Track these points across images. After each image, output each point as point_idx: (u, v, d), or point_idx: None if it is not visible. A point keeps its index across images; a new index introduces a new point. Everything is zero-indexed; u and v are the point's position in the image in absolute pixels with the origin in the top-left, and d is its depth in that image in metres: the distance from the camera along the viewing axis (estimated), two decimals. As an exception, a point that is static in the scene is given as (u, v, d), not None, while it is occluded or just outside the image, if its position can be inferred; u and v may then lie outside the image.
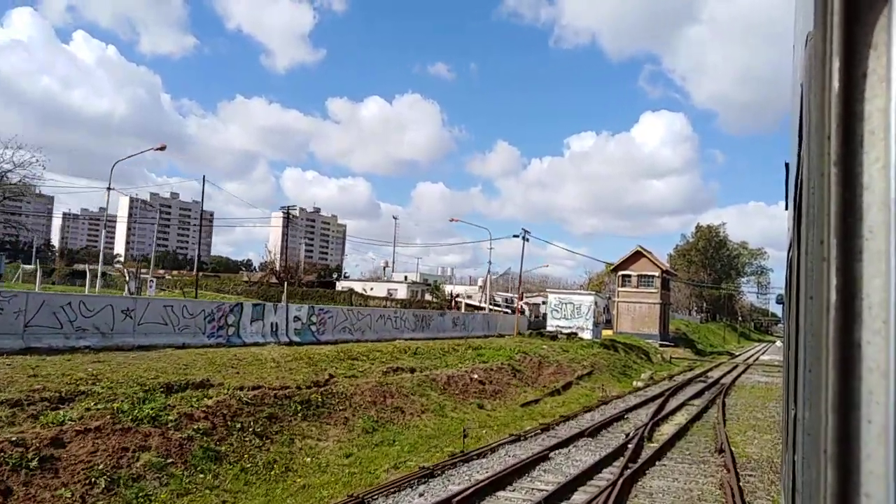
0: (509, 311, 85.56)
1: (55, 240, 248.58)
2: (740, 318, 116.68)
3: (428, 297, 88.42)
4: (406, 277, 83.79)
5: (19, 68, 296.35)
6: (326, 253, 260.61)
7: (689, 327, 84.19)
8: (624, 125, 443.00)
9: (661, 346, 58.58)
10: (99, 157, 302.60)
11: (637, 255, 61.22)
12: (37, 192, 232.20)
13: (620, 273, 61.96)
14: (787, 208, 3.07)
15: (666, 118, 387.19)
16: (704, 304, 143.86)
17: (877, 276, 0.90)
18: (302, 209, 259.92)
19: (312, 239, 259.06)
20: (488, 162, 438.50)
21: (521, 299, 53.63)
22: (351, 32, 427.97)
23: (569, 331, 43.25)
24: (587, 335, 43.13)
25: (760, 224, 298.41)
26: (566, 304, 43.82)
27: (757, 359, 63.94)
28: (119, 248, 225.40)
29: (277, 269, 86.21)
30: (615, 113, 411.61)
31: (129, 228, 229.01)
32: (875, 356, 0.89)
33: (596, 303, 43.95)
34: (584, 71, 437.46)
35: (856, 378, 0.90)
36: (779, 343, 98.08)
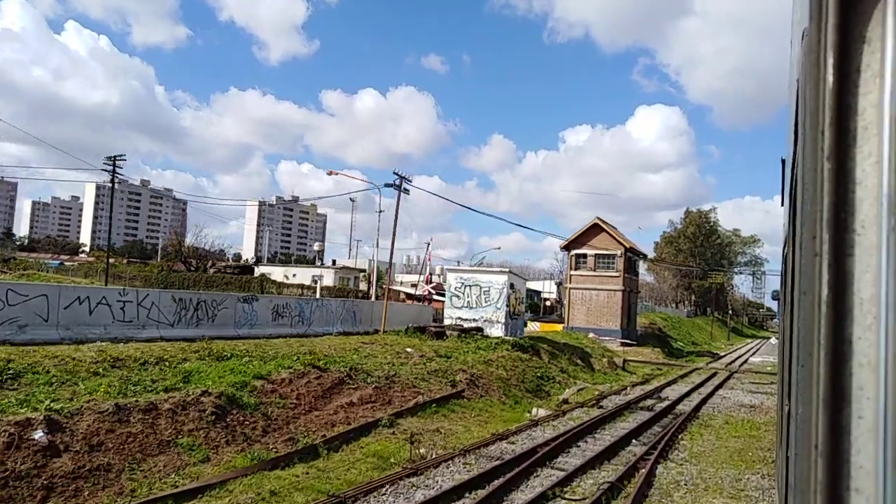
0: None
1: (24, 228, 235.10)
2: (730, 312, 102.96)
3: (363, 285, 74.93)
4: (334, 262, 70.23)
5: (11, 59, 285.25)
6: (305, 242, 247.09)
7: (668, 322, 70.47)
8: (619, 119, 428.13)
9: (624, 344, 44.97)
10: (94, 150, 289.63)
11: (595, 230, 47.45)
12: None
13: (574, 252, 48.22)
14: (783, 204, 3.09)
15: (661, 112, 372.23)
16: (693, 297, 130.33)
17: (868, 271, 0.90)
18: (279, 198, 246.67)
19: (290, 228, 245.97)
20: (483, 156, 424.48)
21: (429, 283, 40.06)
22: (344, 24, 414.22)
23: (472, 324, 29.64)
24: (497, 330, 29.50)
25: (756, 219, 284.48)
26: (470, 286, 30.25)
27: (746, 361, 50.25)
28: (85, 237, 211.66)
29: (184, 252, 72.87)
30: (610, 106, 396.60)
31: (95, 217, 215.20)
32: (866, 351, 0.89)
33: (512, 285, 30.27)
34: (578, 64, 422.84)
35: (847, 373, 0.90)
36: (773, 340, 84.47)
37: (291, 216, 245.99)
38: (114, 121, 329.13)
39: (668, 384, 28.23)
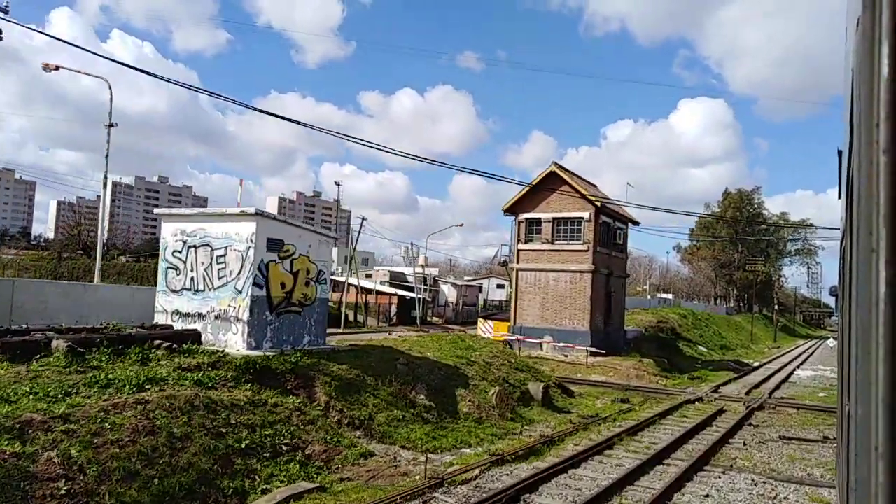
0: (419, 294, 56.20)
1: (49, 228, 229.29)
2: (776, 308, 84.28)
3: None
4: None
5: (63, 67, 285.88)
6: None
7: (688, 319, 53.30)
8: (661, 113, 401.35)
9: (593, 354, 28.83)
10: (143, 156, 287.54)
11: (551, 182, 31.17)
12: (17, 177, 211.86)
13: (522, 216, 32.09)
14: (839, 197, 2.95)
15: (705, 105, 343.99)
16: (735, 291, 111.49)
17: None
18: (300, 193, 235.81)
19: (313, 224, 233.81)
20: (524, 153, 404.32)
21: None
22: (379, 25, 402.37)
23: (198, 323, 14.22)
24: (236, 338, 13.92)
25: (808, 213, 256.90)
26: (196, 247, 14.86)
27: (790, 375, 33.26)
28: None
29: (84, 240, 59.94)
30: (651, 100, 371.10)
31: (112, 215, 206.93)
32: None
33: (278, 244, 14.60)
34: (616, 58, 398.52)
35: None
36: (831, 342, 66.10)
37: (314, 212, 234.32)
38: (161, 126, 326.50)
39: (558, 470, 12.14)
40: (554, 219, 30.90)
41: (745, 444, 14.52)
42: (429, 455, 12.85)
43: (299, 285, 15.14)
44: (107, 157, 19.86)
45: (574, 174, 31.98)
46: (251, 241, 13.94)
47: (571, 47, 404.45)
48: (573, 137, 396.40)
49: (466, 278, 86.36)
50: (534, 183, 30.83)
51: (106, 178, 20.31)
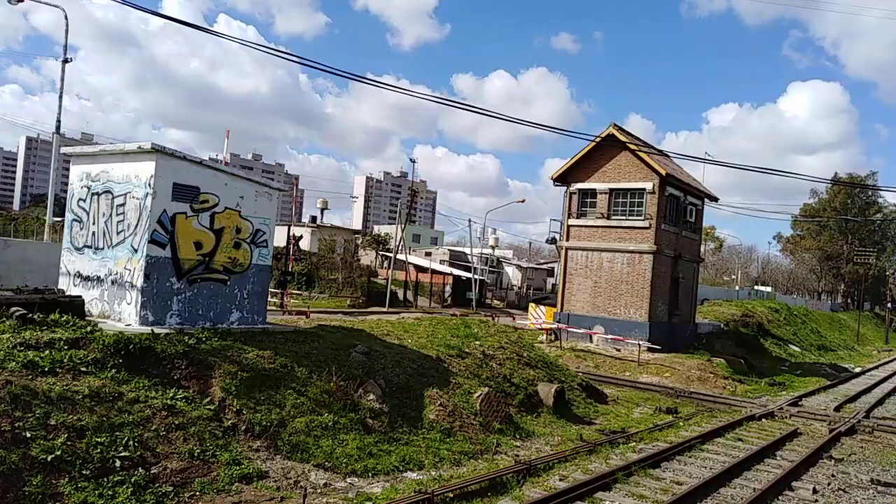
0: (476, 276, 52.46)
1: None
2: (890, 306, 74.79)
3: (366, 255, 57.71)
4: (314, 219, 53.51)
5: (173, 51, 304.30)
6: (415, 219, 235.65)
7: (780, 314, 46.85)
8: (768, 97, 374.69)
9: (649, 350, 24.35)
10: (246, 136, 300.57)
11: (608, 147, 26.61)
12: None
13: (575, 187, 27.72)
14: None
15: (817, 88, 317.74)
16: (843, 286, 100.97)
17: None
18: (387, 173, 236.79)
19: (396, 204, 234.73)
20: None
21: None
22: (474, 6, 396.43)
23: (87, 290, 11.28)
24: (132, 314, 10.80)
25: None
26: (98, 195, 11.91)
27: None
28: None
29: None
30: (758, 84, 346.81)
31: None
32: None
33: (197, 194, 11.30)
34: (721, 39, 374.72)
35: None
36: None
37: (400, 191, 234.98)
38: (263, 107, 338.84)
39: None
40: (611, 190, 26.38)
41: (815, 492, 10.11)
42: (355, 479, 9.40)
43: (224, 246, 11.86)
44: (60, 96, 17.55)
45: (637, 138, 27.30)
46: (149, 185, 10.73)
47: (672, 28, 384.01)
48: (673, 122, 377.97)
49: (541, 261, 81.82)
50: (589, 147, 26.38)
51: (59, 121, 17.96)
